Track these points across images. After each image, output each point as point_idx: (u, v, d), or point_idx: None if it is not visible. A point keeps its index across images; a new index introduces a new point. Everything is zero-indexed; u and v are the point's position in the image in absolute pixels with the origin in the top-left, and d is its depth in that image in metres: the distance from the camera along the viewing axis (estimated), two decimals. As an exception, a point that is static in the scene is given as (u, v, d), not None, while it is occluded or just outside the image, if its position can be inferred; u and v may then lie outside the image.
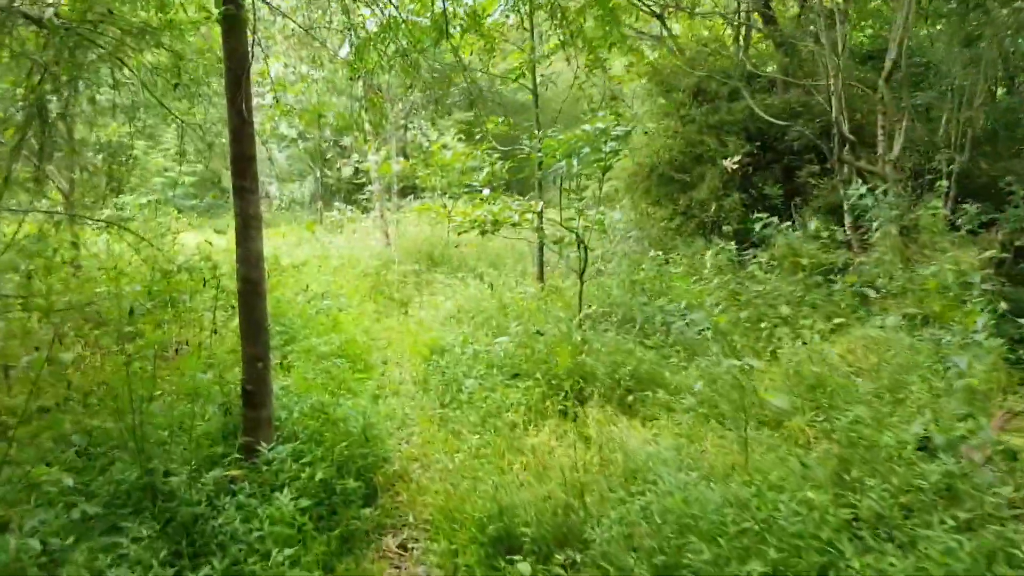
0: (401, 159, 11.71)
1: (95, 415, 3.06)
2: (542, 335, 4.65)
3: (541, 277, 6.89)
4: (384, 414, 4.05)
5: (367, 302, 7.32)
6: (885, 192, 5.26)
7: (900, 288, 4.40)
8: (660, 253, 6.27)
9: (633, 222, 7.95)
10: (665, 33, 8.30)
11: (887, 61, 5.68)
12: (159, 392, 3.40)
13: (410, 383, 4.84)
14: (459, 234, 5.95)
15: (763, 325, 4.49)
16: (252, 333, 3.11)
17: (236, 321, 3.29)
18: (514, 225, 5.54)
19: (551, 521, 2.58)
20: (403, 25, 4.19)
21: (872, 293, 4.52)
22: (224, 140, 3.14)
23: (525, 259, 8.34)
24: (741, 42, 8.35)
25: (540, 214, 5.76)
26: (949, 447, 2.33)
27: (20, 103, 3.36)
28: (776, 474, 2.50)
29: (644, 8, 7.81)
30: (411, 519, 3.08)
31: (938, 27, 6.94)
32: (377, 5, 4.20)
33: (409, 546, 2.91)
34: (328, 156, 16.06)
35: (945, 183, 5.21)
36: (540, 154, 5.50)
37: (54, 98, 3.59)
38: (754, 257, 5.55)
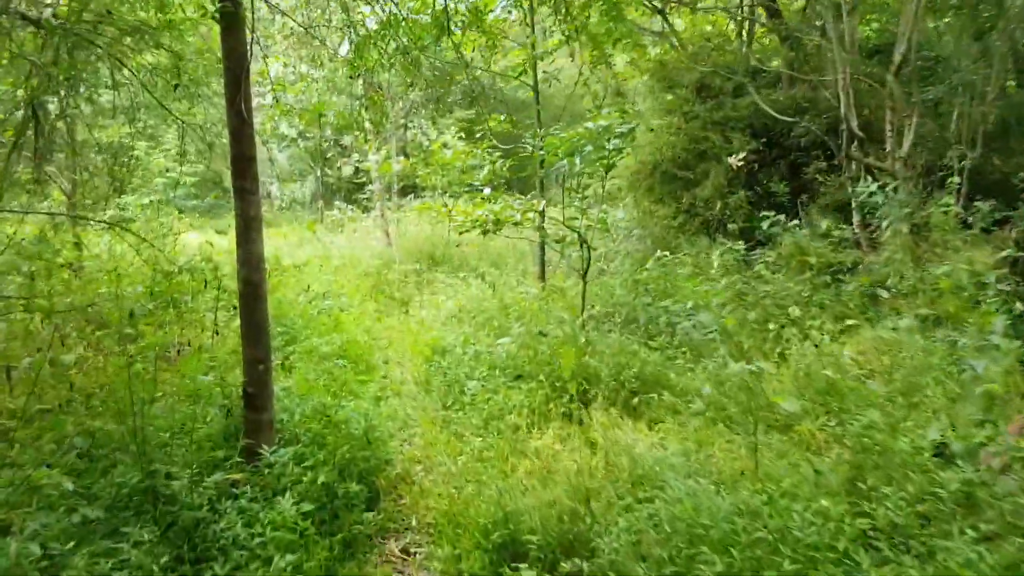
0: (401, 158, 11.66)
1: (97, 417, 3.04)
2: (545, 336, 4.60)
3: (543, 277, 6.82)
4: (386, 415, 4.01)
5: (368, 302, 7.28)
6: (895, 189, 5.17)
7: (911, 288, 4.32)
8: (667, 253, 6.19)
9: (636, 221, 7.85)
10: (667, 28, 8.20)
11: (896, 55, 5.58)
12: (160, 394, 3.38)
13: (412, 384, 4.80)
14: (460, 233, 5.91)
15: (771, 326, 4.41)
16: (253, 336, 3.08)
17: (238, 322, 3.25)
18: (516, 224, 5.50)
19: (557, 528, 2.54)
20: (403, 22, 4.14)
21: (884, 293, 4.44)
22: (225, 140, 3.10)
23: (526, 259, 8.27)
24: (745, 37, 8.24)
25: (542, 213, 5.70)
26: (967, 454, 2.27)
27: (19, 104, 3.33)
28: (788, 481, 2.44)
29: (646, 3, 7.71)
30: (414, 523, 3.04)
31: (947, 20, 6.81)
32: (377, 2, 4.15)
33: (412, 551, 2.88)
34: (328, 156, 16.02)
35: (956, 180, 5.11)
36: (542, 152, 5.44)
37: (53, 99, 3.56)
38: (760, 256, 5.47)
